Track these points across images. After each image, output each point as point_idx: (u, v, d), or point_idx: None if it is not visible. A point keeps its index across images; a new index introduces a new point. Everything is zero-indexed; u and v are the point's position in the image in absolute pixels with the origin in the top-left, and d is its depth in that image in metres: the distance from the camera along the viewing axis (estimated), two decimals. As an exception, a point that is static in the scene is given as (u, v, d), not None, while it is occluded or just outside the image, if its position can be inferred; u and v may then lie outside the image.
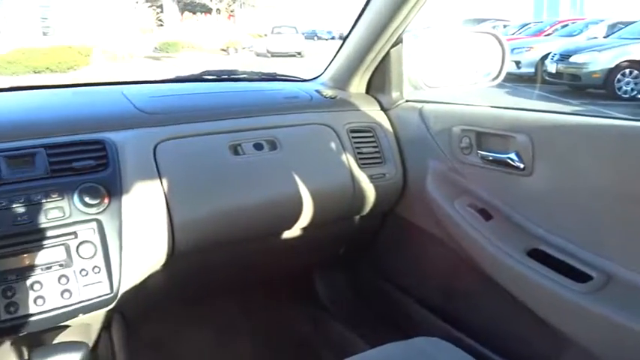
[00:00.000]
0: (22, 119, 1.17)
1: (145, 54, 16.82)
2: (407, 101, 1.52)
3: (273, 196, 1.28)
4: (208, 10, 24.64)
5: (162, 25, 21.84)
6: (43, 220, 1.00)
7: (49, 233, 1.00)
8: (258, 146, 1.29)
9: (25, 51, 11.97)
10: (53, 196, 1.02)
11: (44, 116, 1.20)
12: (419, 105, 1.47)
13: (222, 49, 20.39)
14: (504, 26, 13.93)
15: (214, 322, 1.72)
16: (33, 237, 0.99)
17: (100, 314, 1.10)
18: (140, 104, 1.28)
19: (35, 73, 11.54)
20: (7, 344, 1.14)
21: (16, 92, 1.45)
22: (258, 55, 20.91)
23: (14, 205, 0.98)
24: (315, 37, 29.91)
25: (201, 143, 1.25)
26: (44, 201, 1.01)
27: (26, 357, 1.15)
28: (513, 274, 1.13)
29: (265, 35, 23.07)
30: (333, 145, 1.38)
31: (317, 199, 1.32)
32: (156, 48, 18.70)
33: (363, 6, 1.38)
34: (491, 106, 1.32)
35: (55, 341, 1.10)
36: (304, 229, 1.40)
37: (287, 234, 1.40)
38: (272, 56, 19.55)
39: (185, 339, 1.64)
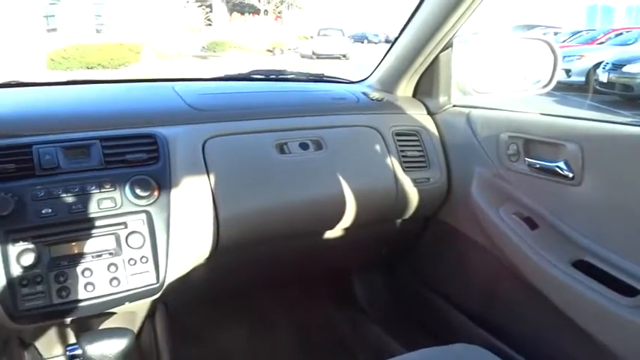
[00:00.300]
0: (79, 112, 1.22)
1: (192, 53, 17.19)
2: (454, 106, 1.51)
3: (317, 195, 1.29)
4: (256, 11, 24.95)
5: (210, 25, 22.25)
6: (96, 210, 1.04)
7: (100, 222, 1.04)
8: (303, 146, 1.31)
9: (80, 47, 12.42)
10: (106, 186, 1.06)
11: (99, 110, 1.24)
12: (466, 110, 1.46)
13: (268, 50, 20.62)
14: (555, 33, 13.55)
15: (253, 317, 1.75)
16: (86, 225, 1.03)
17: (145, 303, 1.14)
18: (191, 101, 1.32)
19: (88, 68, 11.97)
20: (56, 328, 1.19)
21: (72, 86, 1.51)
22: (303, 56, 21.04)
23: (70, 194, 1.03)
24: (365, 40, 29.81)
25: (248, 141, 1.27)
26: (98, 191, 1.05)
27: (73, 341, 1.20)
28: (557, 284, 1.10)
29: (311, 37, 23.19)
30: (378, 147, 1.38)
31: (360, 200, 1.32)
32: (203, 47, 19.08)
33: (413, 10, 1.37)
34: (542, 114, 1.29)
35: (100, 327, 1.15)
36: (346, 229, 1.41)
37: (328, 234, 1.41)
38: (317, 58, 19.64)
39: (224, 332, 1.67)
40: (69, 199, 1.02)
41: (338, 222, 1.35)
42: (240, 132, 1.28)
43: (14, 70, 8.95)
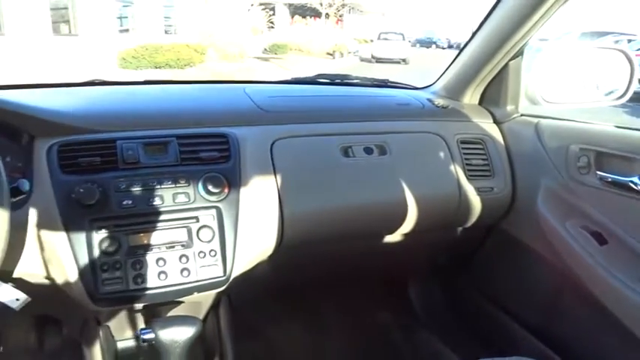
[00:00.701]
0: (158, 111, 1.29)
1: (254, 54, 17.55)
2: (522, 115, 1.49)
3: (379, 199, 1.31)
4: (318, 15, 25.19)
5: (272, 28, 22.65)
6: (171, 204, 1.10)
7: (174, 215, 1.10)
8: (368, 150, 1.33)
9: (149, 47, 12.93)
10: (181, 182, 1.11)
11: (176, 109, 1.31)
12: (534, 120, 1.43)
13: (328, 53, 20.78)
14: (629, 41, 12.92)
15: (308, 316, 1.78)
16: (161, 217, 1.09)
17: (210, 295, 1.19)
18: (260, 103, 1.36)
19: (156, 68, 12.43)
20: (128, 312, 1.27)
21: (149, 86, 1.59)
22: (362, 60, 21.07)
23: (148, 188, 1.09)
24: (433, 45, 29.43)
25: (314, 143, 1.30)
26: (173, 186, 1.11)
27: (142, 325, 1.27)
28: (626, 303, 1.07)
29: (371, 41, 23.19)
30: (442, 154, 1.38)
31: (422, 206, 1.33)
32: (265, 49, 19.45)
33: (485, 16, 1.36)
34: (616, 126, 1.26)
35: (168, 315, 1.21)
36: (406, 234, 1.41)
37: (388, 238, 1.42)
38: (376, 62, 19.63)
39: (280, 328, 1.71)
40: (147, 192, 1.08)
41: (399, 227, 1.36)
42: (307, 134, 1.31)
43: (88, 68, 9.45)
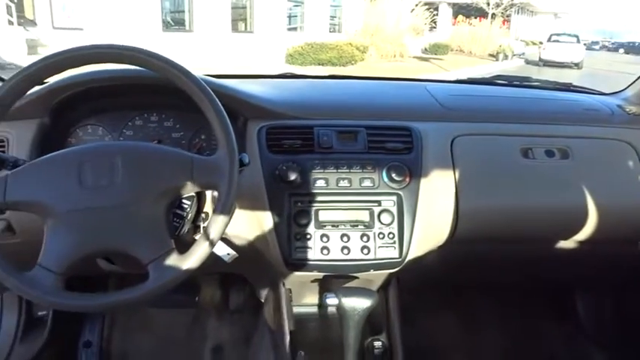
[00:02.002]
0: (348, 103, 1.42)
1: (414, 54, 17.52)
2: None
3: (558, 203, 1.29)
4: (483, 15, 24.27)
5: (434, 28, 22.36)
6: (357, 187, 1.21)
7: (360, 198, 1.22)
8: (549, 153, 1.32)
9: (314, 45, 13.58)
10: (368, 168, 1.23)
11: (364, 102, 1.43)
12: None
13: (491, 55, 19.97)
14: None
15: (464, 313, 1.81)
16: (348, 198, 1.22)
17: (383, 274, 1.29)
18: (442, 100, 1.43)
19: (319, 64, 13.02)
20: (307, 281, 1.41)
21: (333, 80, 1.74)
22: (527, 62, 19.92)
23: (339, 171, 1.22)
24: (621, 50, 26.60)
25: (494, 142, 1.33)
26: (360, 171, 1.22)
27: (317, 295, 1.41)
28: None
29: (540, 43, 21.78)
30: (630, 163, 1.32)
31: (603, 215, 1.29)
32: (425, 49, 19.29)
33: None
34: None
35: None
36: (581, 242, 1.38)
37: (561, 244, 1.40)
38: (544, 65, 18.41)
39: (437, 319, 1.76)
40: (338, 174, 1.21)
41: (575, 234, 1.33)
42: (487, 133, 1.35)
43: (260, 63, 10.25)
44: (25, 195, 0.89)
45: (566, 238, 1.37)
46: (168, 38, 11.08)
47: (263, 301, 1.58)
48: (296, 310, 1.47)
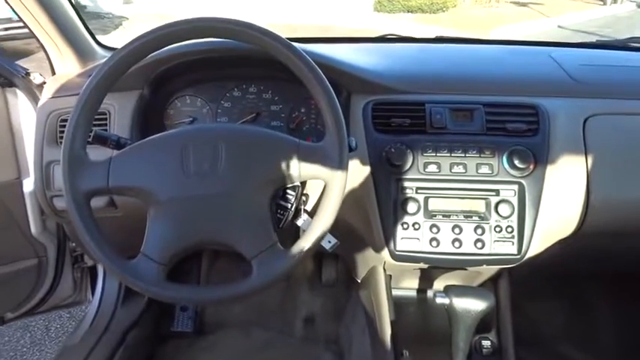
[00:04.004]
0: (462, 74, 1.26)
1: (510, -1, 16.29)
2: None
3: None
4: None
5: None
6: (474, 174, 1.09)
7: (475, 186, 1.09)
8: None
9: (404, -10, 12.96)
10: (486, 152, 1.09)
11: (480, 73, 1.27)
12: None
13: (600, -2, 18.15)
14: None
15: (577, 302, 1.66)
16: (462, 186, 1.09)
17: (495, 268, 1.17)
18: (572, 72, 1.24)
19: (408, 12, 12.44)
20: (411, 270, 1.32)
21: (442, 44, 1.56)
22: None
23: (453, 155, 1.09)
24: None
25: (633, 123, 1.14)
26: (477, 156, 1.09)
27: (422, 285, 1.33)
28: None
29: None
30: None
31: None
32: (523, -7, 17.87)
33: None
34: None
35: (447, 280, 1.23)
36: None
37: None
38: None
39: (547, 310, 1.63)
40: (452, 159, 1.09)
41: None
42: (626, 112, 1.16)
43: (346, 10, 9.92)
44: (127, 180, 0.86)
45: None
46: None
47: (359, 281, 1.51)
48: (394, 292, 1.40)
